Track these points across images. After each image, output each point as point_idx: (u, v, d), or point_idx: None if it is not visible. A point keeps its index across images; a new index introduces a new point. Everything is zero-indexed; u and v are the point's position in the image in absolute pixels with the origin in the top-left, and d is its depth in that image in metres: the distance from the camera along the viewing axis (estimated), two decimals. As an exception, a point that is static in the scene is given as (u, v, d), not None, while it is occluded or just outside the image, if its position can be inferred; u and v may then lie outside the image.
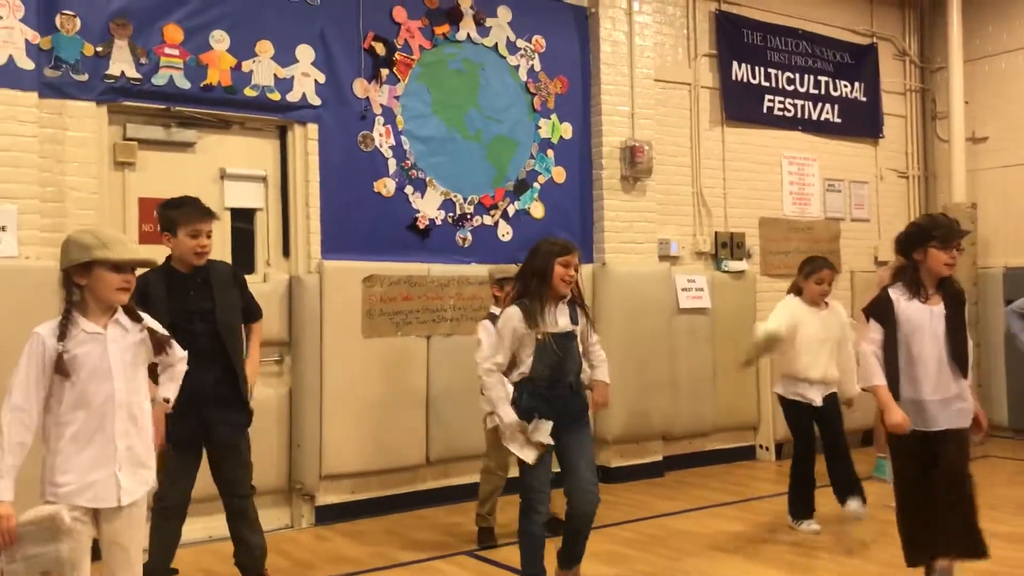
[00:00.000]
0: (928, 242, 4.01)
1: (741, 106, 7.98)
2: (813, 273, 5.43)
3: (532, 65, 6.85)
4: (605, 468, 6.83)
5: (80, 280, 3.00)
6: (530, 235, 6.71)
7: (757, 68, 8.08)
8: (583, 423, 4.11)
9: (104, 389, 2.97)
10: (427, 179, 6.35)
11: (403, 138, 6.26)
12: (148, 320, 3.18)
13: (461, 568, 4.82)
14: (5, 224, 4.84)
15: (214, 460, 4.24)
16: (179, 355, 3.42)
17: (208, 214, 4.24)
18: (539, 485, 4.03)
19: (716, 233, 7.74)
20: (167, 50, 5.42)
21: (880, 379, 3.97)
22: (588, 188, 7.08)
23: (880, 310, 4.04)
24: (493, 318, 4.84)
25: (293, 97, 5.81)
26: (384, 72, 6.18)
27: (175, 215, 4.17)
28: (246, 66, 5.65)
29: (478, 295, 6.34)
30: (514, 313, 4.00)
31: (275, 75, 5.75)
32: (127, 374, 3.04)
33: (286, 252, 5.89)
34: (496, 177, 6.67)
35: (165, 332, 3.24)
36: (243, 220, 5.79)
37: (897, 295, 4.03)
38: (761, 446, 7.78)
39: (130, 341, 3.08)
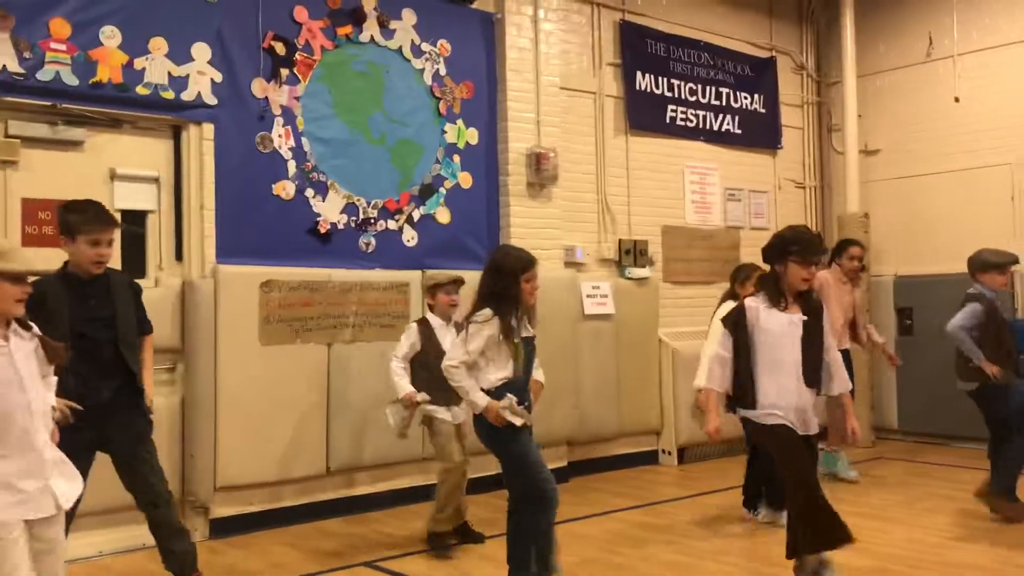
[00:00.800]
0: (788, 256, 4.13)
1: (645, 115, 8.09)
2: (748, 279, 5.62)
3: (437, 69, 6.80)
4: (510, 475, 6.81)
5: None
6: (437, 240, 6.69)
7: (661, 78, 8.20)
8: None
9: (19, 400, 2.93)
10: (328, 182, 6.24)
11: (304, 139, 6.13)
12: (36, 329, 3.11)
13: (417, 565, 4.73)
14: None
15: (123, 471, 4.12)
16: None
17: (111, 223, 4.10)
18: (539, 459, 4.22)
19: (620, 240, 7.81)
20: (53, 44, 5.18)
21: (713, 384, 4.23)
22: (495, 194, 7.06)
23: (734, 321, 4.21)
24: (458, 325, 5.02)
25: (188, 96, 5.63)
26: (284, 72, 6.05)
27: (76, 220, 3.99)
28: (138, 63, 5.45)
29: (382, 301, 6.25)
30: (493, 322, 4.16)
31: (169, 73, 5.55)
32: (36, 383, 3.02)
33: (179, 256, 5.70)
34: (401, 181, 6.59)
35: (57, 341, 3.17)
36: (134, 223, 5.57)
37: (758, 304, 4.17)
38: (664, 451, 7.87)
39: (30, 350, 3.04)
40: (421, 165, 6.71)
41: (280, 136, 6.02)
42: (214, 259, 5.68)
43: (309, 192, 6.15)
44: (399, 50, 6.62)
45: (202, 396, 5.50)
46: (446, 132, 6.84)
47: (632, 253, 7.81)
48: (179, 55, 5.60)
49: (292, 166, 6.07)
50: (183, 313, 5.53)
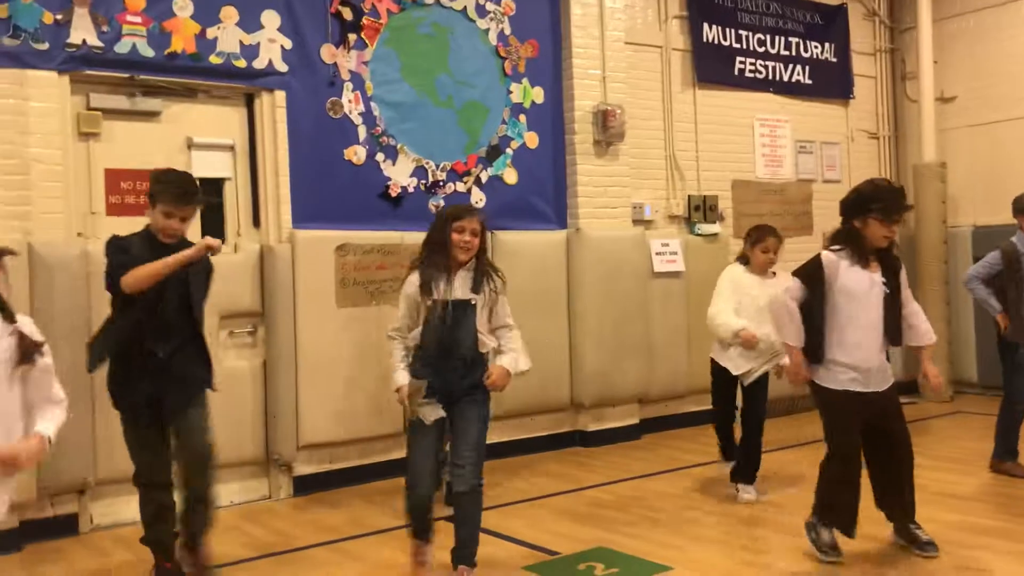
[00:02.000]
0: (869, 212, 4.00)
1: (713, 68, 7.95)
2: (759, 242, 5.32)
3: (502, 29, 6.78)
4: (582, 432, 6.88)
5: None
6: (504, 201, 6.71)
7: (728, 30, 8.05)
8: (473, 399, 3.93)
9: None
10: (398, 146, 6.29)
11: (372, 104, 6.18)
12: (23, 322, 2.81)
13: (438, 534, 4.83)
14: (-33, 198, 4.74)
15: (172, 429, 4.05)
16: (57, 392, 2.89)
17: (186, 200, 4.05)
18: (419, 460, 3.91)
19: (689, 196, 7.74)
20: (129, 17, 5.30)
21: (791, 339, 4.08)
22: (561, 153, 7.04)
23: (808, 273, 4.08)
24: None
25: (259, 64, 5.71)
26: (352, 37, 6.09)
27: (155, 190, 4.06)
28: (211, 33, 5.54)
29: (452, 262, 6.30)
30: (412, 279, 3.92)
31: (240, 42, 5.64)
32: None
33: (256, 222, 5.82)
34: (468, 143, 6.62)
35: (39, 338, 2.83)
36: (211, 190, 5.70)
37: (837, 259, 4.04)
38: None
39: (2, 346, 2.71)
40: (487, 126, 6.72)
41: (350, 101, 6.08)
42: (290, 224, 5.79)
43: (379, 156, 6.21)
44: (463, 11, 6.60)
45: (283, 358, 5.64)
46: (512, 92, 6.83)
47: (701, 209, 7.73)
48: (249, 23, 5.67)
49: (362, 131, 6.14)
50: (262, 277, 5.67)
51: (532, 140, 6.91)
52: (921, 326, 4.22)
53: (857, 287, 4.00)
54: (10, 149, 4.93)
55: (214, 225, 5.67)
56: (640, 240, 7.17)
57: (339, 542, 4.77)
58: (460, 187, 6.56)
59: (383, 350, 5.95)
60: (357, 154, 6.12)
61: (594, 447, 6.80)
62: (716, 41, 7.98)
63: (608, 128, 6.98)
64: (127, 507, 5.24)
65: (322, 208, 5.94)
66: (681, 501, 5.34)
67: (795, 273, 4.19)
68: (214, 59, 5.55)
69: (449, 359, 3.87)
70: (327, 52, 5.98)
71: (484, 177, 6.68)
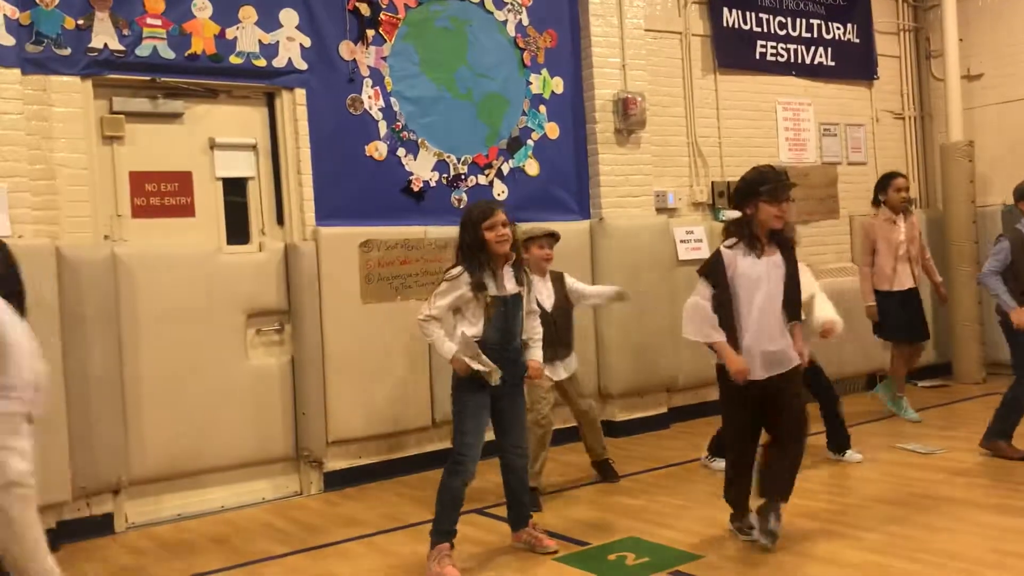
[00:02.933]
0: (758, 197, 4.12)
1: (733, 53, 7.88)
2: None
3: (520, 19, 6.75)
4: (610, 422, 6.86)
5: None
6: (526, 193, 6.69)
7: (748, 13, 7.97)
8: (520, 389, 4.30)
9: None
10: (419, 140, 6.29)
11: (392, 99, 6.19)
12: None
13: (472, 527, 4.84)
14: (-4, 204, 4.79)
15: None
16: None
17: None
18: (470, 441, 4.12)
19: (712, 183, 7.68)
20: (149, 20, 5.33)
21: (719, 335, 4.15)
22: (582, 143, 7.01)
23: (710, 269, 4.21)
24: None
25: (279, 63, 5.73)
26: (370, 33, 6.09)
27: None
28: (230, 33, 5.57)
29: (476, 255, 6.30)
30: (460, 276, 4.08)
31: (260, 41, 5.66)
32: None
33: (280, 220, 5.85)
34: (489, 135, 6.61)
35: None
36: (235, 190, 5.74)
37: (734, 252, 4.15)
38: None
39: None
40: (508, 118, 6.70)
41: (370, 97, 6.08)
42: (314, 222, 5.82)
43: (401, 151, 6.22)
44: (481, 3, 6.59)
45: (310, 355, 5.67)
46: (531, 83, 6.81)
47: (725, 195, 7.66)
48: (268, 22, 5.70)
49: (383, 126, 6.14)
50: (287, 275, 5.70)
51: (553, 131, 6.89)
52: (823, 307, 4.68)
53: (753, 274, 4.12)
54: (36, 154, 4.98)
55: (238, 224, 5.70)
56: (664, 228, 7.12)
57: (370, 536, 4.79)
58: (482, 180, 6.56)
59: (409, 344, 5.99)
60: (378, 150, 6.13)
61: (623, 437, 6.78)
62: (736, 25, 7.90)
63: (629, 116, 6.94)
64: (160, 506, 5.32)
65: (345, 205, 5.96)
66: (711, 489, 5.30)
67: (699, 271, 4.28)
68: (234, 59, 5.57)
69: (507, 350, 4.14)
70: (346, 49, 5.99)
71: (506, 169, 6.67)
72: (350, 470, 5.85)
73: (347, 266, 5.81)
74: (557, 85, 6.91)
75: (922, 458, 5.68)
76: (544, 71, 6.86)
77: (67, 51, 5.10)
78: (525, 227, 5.57)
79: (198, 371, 5.35)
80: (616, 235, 6.83)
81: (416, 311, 5.96)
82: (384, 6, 6.15)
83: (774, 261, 4.16)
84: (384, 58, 6.16)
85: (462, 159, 6.47)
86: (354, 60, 6.03)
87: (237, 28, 5.59)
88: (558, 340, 5.18)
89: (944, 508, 4.63)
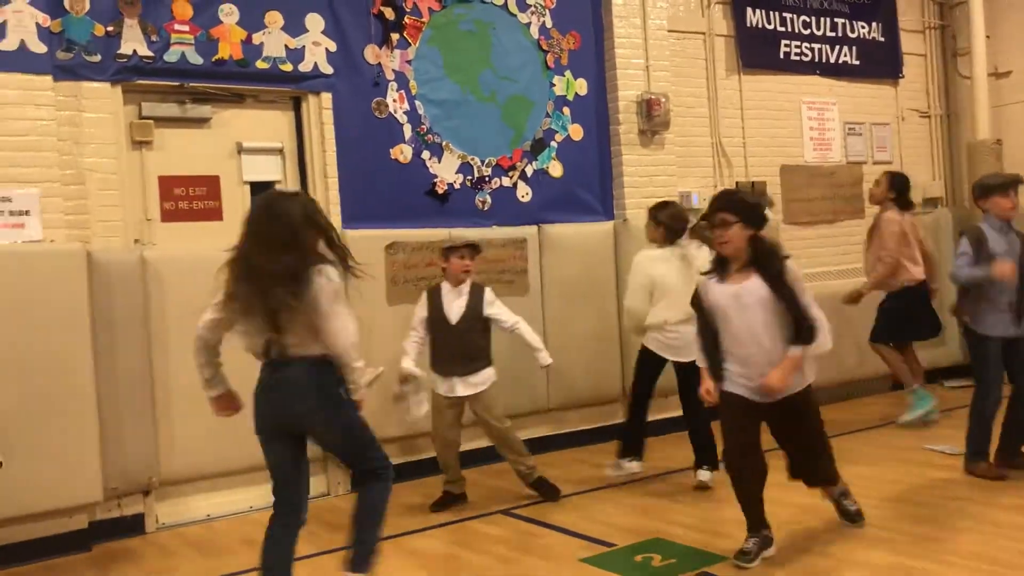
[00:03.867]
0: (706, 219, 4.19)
1: (757, 53, 7.86)
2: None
3: (543, 22, 6.77)
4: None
5: None
6: (550, 194, 6.71)
7: (772, 13, 7.94)
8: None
9: None
10: (443, 143, 6.32)
11: (417, 103, 6.22)
12: None
13: (498, 527, 4.87)
14: (28, 208, 4.88)
15: None
16: None
17: None
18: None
19: (737, 183, 7.66)
20: (177, 26, 5.40)
21: (702, 361, 4.19)
22: (606, 144, 7.02)
23: (693, 301, 4.21)
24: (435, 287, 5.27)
25: (305, 67, 5.78)
26: (395, 37, 6.13)
27: None
28: (256, 38, 5.63)
29: (500, 257, 6.33)
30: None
31: (286, 46, 5.72)
32: None
33: (306, 223, 5.88)
34: (513, 138, 6.63)
35: None
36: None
37: (706, 281, 4.13)
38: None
39: None
40: (532, 120, 6.72)
41: (394, 101, 6.12)
42: (340, 224, 5.86)
43: (425, 154, 6.25)
44: (504, 5, 6.61)
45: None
46: (555, 85, 6.82)
47: (750, 196, 7.65)
48: (294, 27, 5.75)
49: (408, 130, 6.18)
50: (313, 278, 5.74)
51: (577, 132, 6.90)
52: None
53: (721, 302, 4.03)
54: (67, 160, 5.06)
55: (265, 228, 5.75)
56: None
57: (399, 537, 4.82)
58: (506, 182, 6.58)
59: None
60: (403, 153, 6.17)
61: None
62: (760, 25, 7.88)
63: (653, 117, 6.94)
64: (191, 507, 5.38)
65: (371, 208, 6.00)
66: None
67: (691, 303, 4.27)
68: (261, 64, 5.63)
69: None
70: (371, 53, 6.03)
71: (529, 171, 6.69)
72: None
73: (373, 268, 5.81)
74: (581, 87, 6.92)
75: (949, 459, 5.63)
76: (568, 73, 6.87)
77: (97, 58, 5.18)
78: (450, 236, 5.57)
79: (227, 372, 5.39)
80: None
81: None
82: (408, 10, 6.19)
83: (748, 287, 3.97)
84: (409, 62, 6.20)
85: (486, 161, 6.50)
86: (379, 64, 6.07)
87: (264, 33, 5.64)
88: (461, 354, 5.12)
89: (970, 509, 4.60)
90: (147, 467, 5.14)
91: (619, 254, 6.82)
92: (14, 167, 4.85)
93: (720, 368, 4.09)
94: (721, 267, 4.07)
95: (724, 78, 7.71)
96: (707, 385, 4.15)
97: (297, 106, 5.90)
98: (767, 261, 3.98)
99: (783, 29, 8.01)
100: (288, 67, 5.72)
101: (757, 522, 4.11)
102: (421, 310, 5.22)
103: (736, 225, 3.95)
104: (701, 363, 4.19)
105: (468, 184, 6.43)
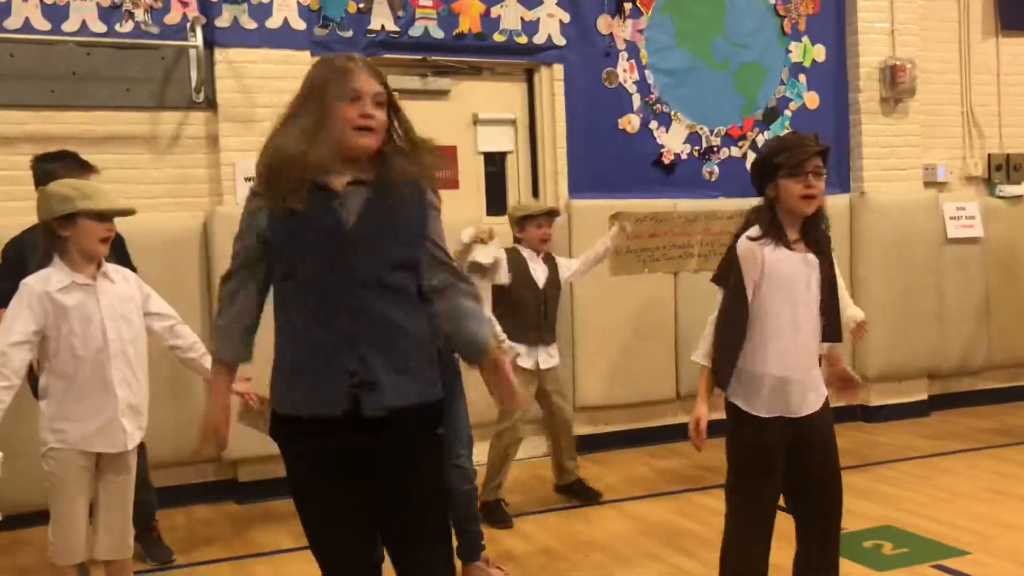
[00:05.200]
0: (776, 171, 2.90)
1: (1020, 12, 7.20)
2: None
3: (781, -14, 6.54)
4: (864, 407, 6.57)
5: (64, 231, 3.04)
6: (781, 165, 6.49)
7: (1040, -32, 7.25)
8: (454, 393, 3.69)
9: (97, 339, 3.07)
10: (672, 112, 6.27)
11: (647, 72, 6.20)
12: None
13: (719, 500, 4.85)
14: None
15: None
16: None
17: (88, 168, 4.01)
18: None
19: (989, 155, 7.10)
20: (422, 1, 5.65)
21: (707, 360, 3.06)
22: (844, 113, 6.70)
23: (721, 269, 3.07)
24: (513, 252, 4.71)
25: (539, 39, 5.90)
26: (627, 6, 6.12)
27: (53, 168, 3.88)
28: (494, 11, 5.79)
29: (726, 230, 6.19)
30: None
31: (522, 18, 5.85)
32: (119, 323, 3.13)
33: (535, 192, 6.05)
34: (745, 106, 6.47)
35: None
36: (494, 163, 6.01)
37: (756, 246, 2.92)
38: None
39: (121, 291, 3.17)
40: (765, 88, 6.52)
41: (624, 71, 6.13)
42: (567, 194, 5.97)
43: (653, 124, 6.23)
44: (741, -30, 6.44)
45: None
46: (791, 51, 6.57)
47: (1004, 168, 7.07)
48: (530, 0, 5.87)
49: (636, 99, 6.18)
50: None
51: (812, 100, 6.63)
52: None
53: (786, 272, 2.92)
54: (321, 130, 5.44)
55: (496, 196, 5.96)
56: (932, 204, 6.69)
57: (623, 501, 4.91)
58: (735, 152, 6.44)
59: (656, 316, 6.03)
60: (631, 123, 6.17)
61: (878, 422, 6.48)
62: (1025, -18, 7.21)
63: (897, 84, 6.54)
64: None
65: (597, 178, 6.06)
66: (977, 483, 4.98)
67: (713, 279, 3.12)
68: (497, 37, 5.80)
69: None
70: (603, 23, 6.06)
71: (760, 141, 6.50)
72: (595, 436, 5.99)
73: (597, 238, 5.88)
74: (819, 53, 6.63)
75: None
76: (805, 38, 6.60)
77: (349, 33, 5.53)
78: (521, 204, 5.14)
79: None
80: (879, 210, 6.49)
81: (662, 285, 6.09)
82: (642, -22, 6.16)
83: (808, 259, 2.95)
84: (640, 31, 6.18)
85: (715, 131, 6.39)
86: (611, 34, 6.09)
87: (501, 6, 5.81)
88: (545, 322, 4.77)
89: None
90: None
91: (854, 229, 6.52)
92: (276, 137, 5.29)
93: (728, 372, 2.99)
94: (775, 231, 2.94)
95: (979, 41, 7.13)
96: (700, 412, 3.05)
97: (530, 77, 6.03)
98: (821, 235, 3.01)
99: (1052, -15, 7.29)
100: (523, 39, 5.86)
101: None
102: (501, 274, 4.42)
103: (824, 178, 2.97)
104: (704, 360, 3.07)
105: (695, 154, 6.35)
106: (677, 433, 6.16)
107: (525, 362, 4.62)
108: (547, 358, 4.76)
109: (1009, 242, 6.98)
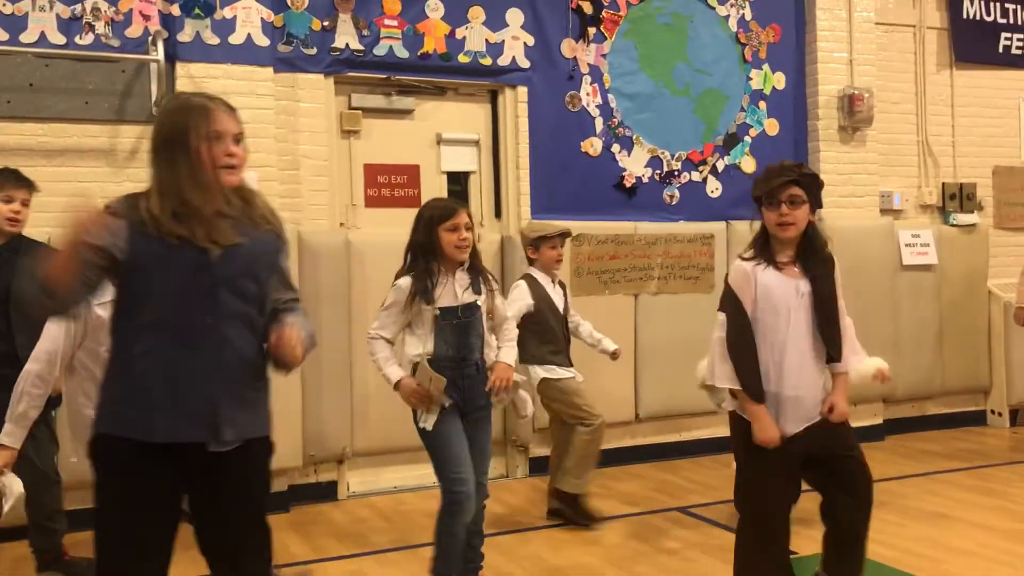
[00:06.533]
0: (759, 202, 3.19)
1: (973, 46, 7.38)
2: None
3: (743, 14, 6.63)
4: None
5: None
6: (741, 190, 6.56)
7: (992, 4, 7.43)
8: (487, 412, 3.70)
9: None
10: (634, 137, 6.33)
11: (610, 96, 6.26)
12: None
13: (674, 524, 4.86)
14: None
15: None
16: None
17: (26, 184, 4.07)
18: (460, 471, 3.52)
19: (944, 184, 7.25)
20: (387, 21, 5.67)
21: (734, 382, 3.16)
22: (803, 140, 6.81)
23: (723, 294, 3.29)
24: (531, 279, 4.82)
25: (504, 61, 5.93)
26: (591, 31, 6.18)
27: None
28: (459, 33, 5.82)
29: (686, 253, 6.29)
30: (404, 285, 3.56)
31: (487, 40, 5.89)
32: None
33: (498, 213, 6.07)
34: (705, 132, 6.55)
35: None
36: (457, 183, 6.01)
37: (750, 267, 3.18)
38: (993, 411, 7.29)
39: None
40: (725, 114, 6.61)
41: (588, 94, 6.18)
42: (529, 215, 5.99)
43: (615, 147, 6.28)
44: (703, -2, 6.54)
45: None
46: (751, 79, 6.67)
47: (958, 198, 7.22)
48: (495, 22, 5.91)
49: (599, 123, 6.23)
50: (503, 266, 5.90)
51: (772, 127, 6.73)
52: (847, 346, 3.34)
53: (778, 292, 3.15)
54: (284, 147, 5.43)
55: (459, 216, 5.96)
56: (888, 231, 6.80)
57: (575, 524, 4.90)
58: (696, 176, 6.51)
59: (615, 337, 6.02)
60: (593, 146, 6.22)
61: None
62: (978, 16, 7.38)
63: (855, 113, 6.67)
64: (380, 478, 5.67)
65: (559, 199, 6.09)
66: (929, 507, 5.05)
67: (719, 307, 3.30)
68: (462, 58, 5.83)
69: (463, 367, 3.56)
70: (567, 47, 6.11)
71: (721, 166, 6.59)
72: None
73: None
74: (779, 80, 6.74)
75: None
76: (765, 66, 6.71)
77: (313, 50, 5.52)
78: (536, 225, 5.22)
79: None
80: (836, 236, 6.33)
81: (622, 307, 6.13)
82: (607, 4, 6.22)
83: (797, 285, 3.17)
84: (604, 55, 6.24)
85: (676, 155, 6.45)
86: (575, 58, 6.14)
87: (466, 28, 5.84)
88: (567, 341, 4.86)
89: None
90: (342, 438, 5.47)
91: (811, 254, 6.61)
92: (237, 152, 5.25)
93: (758, 389, 3.13)
94: (765, 252, 3.19)
95: (934, 73, 7.29)
96: (765, 424, 3.11)
97: (494, 99, 6.06)
98: (817, 256, 3.21)
99: (1004, 21, 7.48)
100: (488, 61, 5.89)
101: None
102: (523, 300, 4.68)
103: (805, 206, 3.16)
104: (732, 383, 3.16)
105: (656, 178, 6.41)
106: (635, 455, 6.21)
107: (569, 375, 4.82)
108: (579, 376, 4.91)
109: (962, 270, 7.11)
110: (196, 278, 2.27)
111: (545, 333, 4.78)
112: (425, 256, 3.56)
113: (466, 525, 3.61)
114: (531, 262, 4.94)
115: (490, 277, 3.72)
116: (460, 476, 3.51)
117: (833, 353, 3.24)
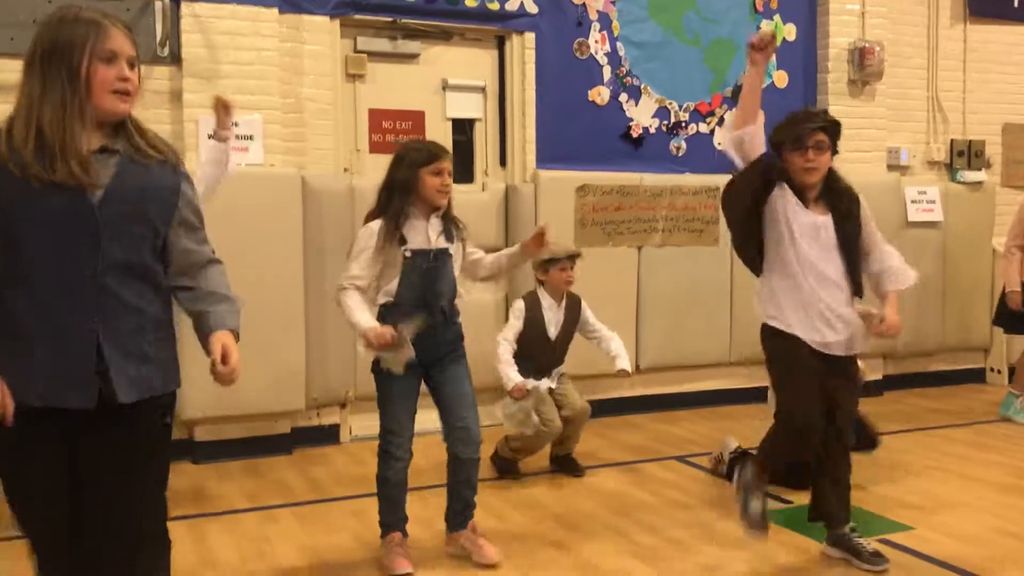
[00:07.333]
0: (782, 146, 3.43)
1: (988, 1, 7.27)
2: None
3: (755, -37, 6.54)
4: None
5: None
6: (748, 143, 6.53)
7: (1010, -44, 7.31)
8: (459, 354, 3.62)
9: None
10: (642, 86, 6.27)
11: (619, 44, 6.19)
12: None
13: (670, 471, 4.91)
14: (252, 133, 5.24)
15: None
16: None
17: None
18: (397, 427, 3.58)
19: (952, 141, 7.20)
20: (391, -37, 5.59)
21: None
22: (812, 93, 6.75)
23: (757, 166, 3.49)
24: (531, 300, 4.81)
25: (511, 6, 5.85)
26: (601, -24, 6.10)
27: None
28: (467, -25, 5.74)
29: (691, 205, 6.26)
30: (374, 228, 3.45)
31: (495, -16, 5.81)
32: None
33: (503, 162, 6.03)
34: (714, 82, 6.48)
35: None
36: (463, 131, 5.97)
37: (785, 191, 3.46)
38: (992, 369, 7.32)
39: None
40: (735, 65, 6.54)
41: (596, 42, 6.11)
42: (534, 164, 5.96)
43: (623, 97, 6.23)
44: (715, -54, 6.43)
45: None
46: (762, 29, 6.59)
47: (966, 155, 7.17)
48: (503, -34, 5.82)
49: (607, 71, 6.17)
50: (507, 215, 5.89)
51: (781, 79, 6.66)
52: (897, 265, 3.61)
53: (803, 219, 3.42)
54: (288, 89, 5.38)
55: (463, 164, 5.93)
56: (894, 187, 6.77)
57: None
58: (703, 128, 6.47)
59: (618, 289, 6.06)
60: (601, 95, 6.16)
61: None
62: (995, -31, 7.28)
63: (865, 66, 6.59)
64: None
65: (565, 149, 6.05)
66: (924, 461, 5.10)
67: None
68: (469, 2, 5.75)
69: (431, 313, 3.47)
70: (576, -8, 6.04)
71: (728, 118, 6.51)
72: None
73: (563, 210, 5.93)
74: (789, 32, 6.66)
75: None
76: (776, 17, 6.62)
77: (319, -8, 5.45)
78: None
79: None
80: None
81: (626, 258, 6.12)
82: (617, -51, 6.12)
83: (822, 222, 3.42)
84: (613, 2, 6.15)
85: (684, 106, 6.40)
86: (584, 4, 6.06)
87: (474, -29, 5.76)
88: (554, 362, 4.87)
89: None
90: (344, 382, 5.50)
91: (816, 209, 6.59)
92: (240, 94, 5.17)
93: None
94: (795, 190, 3.45)
95: (947, 27, 7.20)
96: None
97: (501, 45, 5.99)
98: (840, 197, 3.46)
99: (1021, -26, 7.36)
100: (495, 5, 5.81)
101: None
102: (517, 322, 4.76)
103: (828, 152, 3.42)
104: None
105: (664, 129, 6.36)
106: (636, 406, 6.25)
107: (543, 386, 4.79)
108: (551, 380, 4.86)
109: (967, 228, 7.09)
110: (74, 224, 1.99)
111: (524, 350, 4.73)
112: (402, 197, 3.45)
113: (456, 480, 3.69)
114: (540, 283, 4.86)
115: (461, 225, 3.64)
116: (391, 428, 3.57)
117: (855, 287, 3.46)
